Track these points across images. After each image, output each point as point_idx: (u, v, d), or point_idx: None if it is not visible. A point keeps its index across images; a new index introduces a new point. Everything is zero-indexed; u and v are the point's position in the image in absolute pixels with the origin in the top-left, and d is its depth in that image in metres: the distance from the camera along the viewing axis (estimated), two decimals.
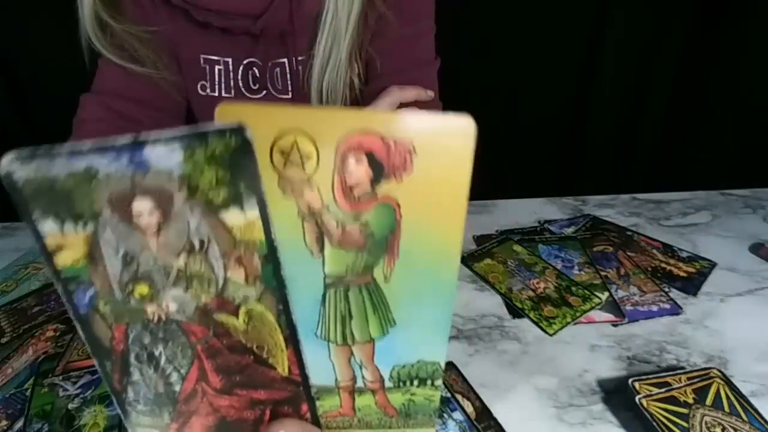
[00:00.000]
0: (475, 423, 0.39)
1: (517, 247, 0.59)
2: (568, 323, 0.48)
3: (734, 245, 0.59)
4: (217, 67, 0.63)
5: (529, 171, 1.19)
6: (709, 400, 0.39)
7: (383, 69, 0.65)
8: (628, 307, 0.50)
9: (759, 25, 0.98)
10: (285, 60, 0.62)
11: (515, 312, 0.50)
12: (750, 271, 0.55)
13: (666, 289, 0.52)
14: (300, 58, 0.63)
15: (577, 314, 0.49)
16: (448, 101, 0.77)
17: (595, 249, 0.58)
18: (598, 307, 0.50)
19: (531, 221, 0.65)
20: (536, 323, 0.49)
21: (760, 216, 0.64)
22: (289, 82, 0.64)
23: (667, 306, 0.50)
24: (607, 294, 0.51)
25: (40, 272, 0.59)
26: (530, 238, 0.60)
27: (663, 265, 0.56)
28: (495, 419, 0.40)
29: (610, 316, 0.49)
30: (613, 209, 0.67)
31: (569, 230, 0.62)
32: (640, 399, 0.39)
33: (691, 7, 1.01)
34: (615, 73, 1.08)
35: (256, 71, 0.63)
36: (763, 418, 0.38)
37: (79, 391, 0.43)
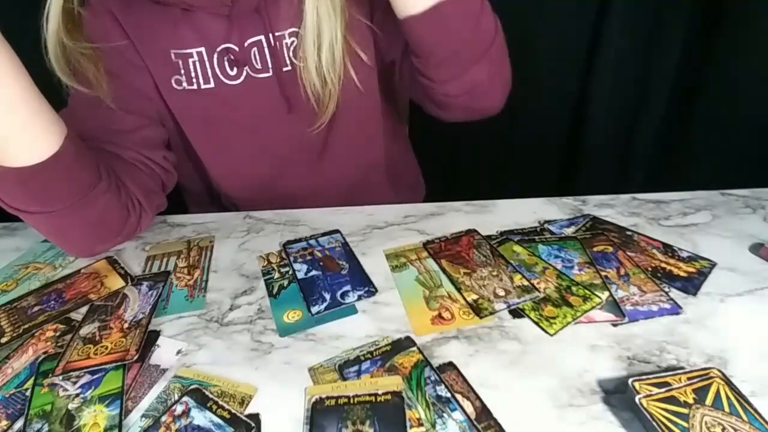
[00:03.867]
0: (475, 423, 0.39)
1: (517, 247, 0.59)
2: (569, 323, 0.48)
3: (734, 245, 0.59)
4: (191, 60, 0.62)
5: (529, 171, 1.19)
6: (709, 400, 0.39)
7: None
8: (628, 307, 0.50)
9: (758, 25, 0.98)
10: (261, 37, 0.62)
11: (515, 312, 0.50)
12: (750, 271, 0.55)
13: (666, 289, 0.52)
14: (277, 34, 0.62)
15: (578, 314, 0.49)
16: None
17: (595, 249, 0.58)
18: (599, 306, 0.50)
19: (531, 221, 0.65)
20: (536, 323, 0.49)
21: (760, 216, 0.64)
22: (268, 59, 0.63)
23: (667, 306, 0.50)
24: (607, 294, 0.51)
25: (40, 272, 0.59)
26: (530, 238, 0.60)
27: (663, 265, 0.56)
28: (495, 419, 0.40)
29: (610, 316, 0.49)
30: (613, 209, 0.67)
31: (569, 230, 0.62)
32: (640, 399, 0.39)
33: (690, 7, 1.01)
34: (615, 73, 1.09)
35: (232, 55, 0.62)
36: (763, 418, 0.38)
37: (79, 391, 0.43)
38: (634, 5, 1.01)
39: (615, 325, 0.49)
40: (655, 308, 0.50)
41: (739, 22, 0.99)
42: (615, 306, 0.50)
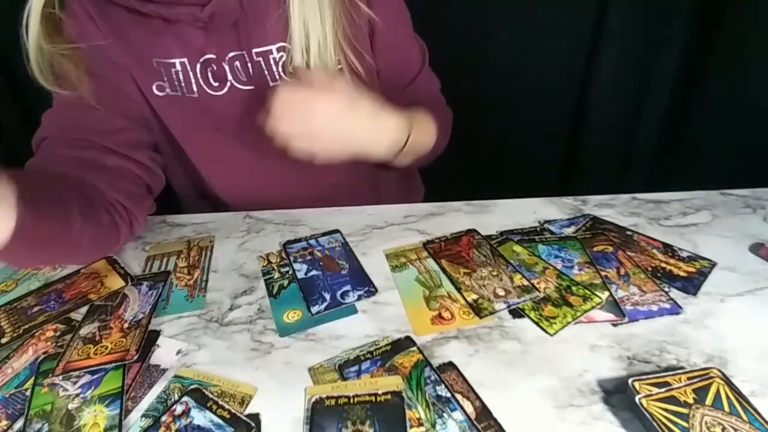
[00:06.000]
0: (475, 423, 0.39)
1: (517, 247, 0.59)
2: (569, 323, 0.48)
3: (734, 245, 0.59)
4: (173, 70, 0.61)
5: (529, 171, 1.19)
6: (709, 400, 0.39)
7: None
8: (628, 307, 0.50)
9: (759, 25, 0.98)
10: (243, 52, 0.61)
11: (515, 312, 0.50)
12: (750, 271, 0.55)
13: (666, 289, 0.52)
14: (260, 50, 0.61)
15: (578, 314, 0.49)
16: (448, 102, 0.77)
17: (595, 249, 0.58)
18: (599, 306, 0.50)
19: (531, 221, 0.65)
20: (536, 323, 0.49)
21: (760, 216, 0.64)
22: (251, 73, 0.62)
23: (667, 306, 0.50)
24: (607, 294, 0.51)
25: (40, 272, 0.59)
26: (530, 238, 0.60)
27: (663, 265, 0.56)
28: (495, 419, 0.40)
29: (610, 316, 0.49)
30: (613, 209, 0.67)
31: (569, 230, 0.62)
32: (640, 399, 0.39)
33: (690, 7, 1.01)
34: (615, 73, 1.08)
35: (214, 67, 0.61)
36: (763, 418, 0.38)
37: (79, 391, 0.43)
38: (634, 6, 1.01)
39: (615, 325, 0.49)
40: (655, 308, 0.50)
41: (739, 23, 0.99)
42: (615, 306, 0.50)
